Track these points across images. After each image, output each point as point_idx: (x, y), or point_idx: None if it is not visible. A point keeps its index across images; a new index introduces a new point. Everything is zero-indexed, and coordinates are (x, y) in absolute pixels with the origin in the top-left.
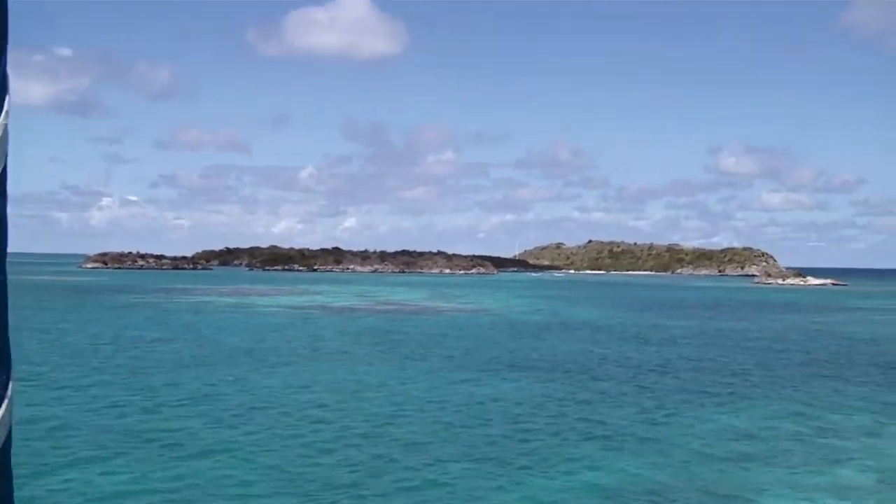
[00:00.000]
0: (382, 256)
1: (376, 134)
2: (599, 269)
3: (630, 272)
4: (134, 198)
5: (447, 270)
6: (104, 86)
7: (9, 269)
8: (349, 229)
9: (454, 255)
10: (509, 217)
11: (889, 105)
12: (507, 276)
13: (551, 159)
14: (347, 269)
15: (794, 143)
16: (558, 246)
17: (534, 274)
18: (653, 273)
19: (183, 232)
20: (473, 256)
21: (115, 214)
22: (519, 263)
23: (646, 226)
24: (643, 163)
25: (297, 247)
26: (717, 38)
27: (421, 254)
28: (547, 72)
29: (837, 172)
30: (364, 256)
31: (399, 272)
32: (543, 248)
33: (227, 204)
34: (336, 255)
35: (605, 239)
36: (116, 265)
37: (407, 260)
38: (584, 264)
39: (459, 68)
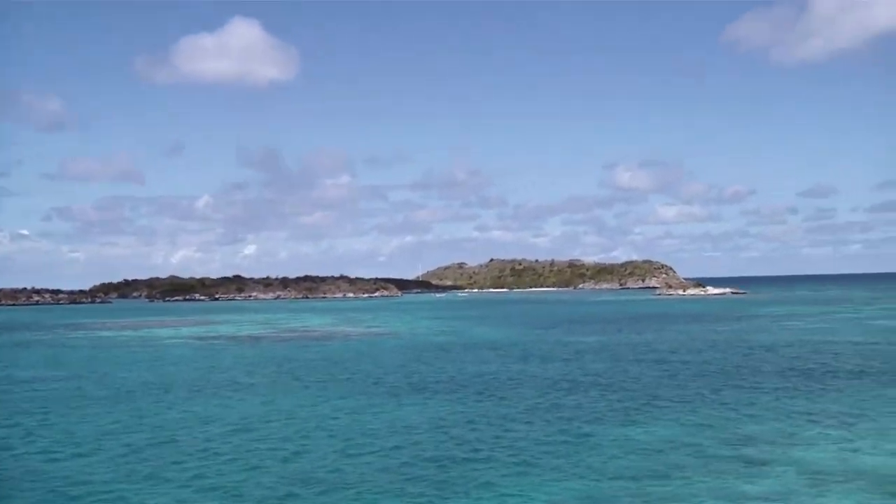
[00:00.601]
0: (284, 283)
1: (271, 160)
2: (502, 287)
3: (533, 289)
4: (25, 231)
5: (350, 294)
6: None
7: None
8: (249, 256)
9: (357, 278)
10: (409, 239)
11: (776, 117)
12: (410, 297)
13: (448, 180)
14: (250, 296)
15: (686, 157)
16: (460, 265)
17: (438, 294)
18: (555, 289)
19: (79, 265)
20: (376, 279)
21: (5, 249)
22: (422, 284)
23: (545, 242)
24: (540, 180)
25: (197, 276)
26: (609, 55)
27: (323, 279)
28: (440, 94)
29: (728, 184)
30: (266, 283)
31: (302, 297)
32: (446, 268)
33: (123, 235)
34: (237, 283)
35: (507, 257)
36: (10, 302)
37: (310, 285)
38: (487, 283)
39: (352, 92)
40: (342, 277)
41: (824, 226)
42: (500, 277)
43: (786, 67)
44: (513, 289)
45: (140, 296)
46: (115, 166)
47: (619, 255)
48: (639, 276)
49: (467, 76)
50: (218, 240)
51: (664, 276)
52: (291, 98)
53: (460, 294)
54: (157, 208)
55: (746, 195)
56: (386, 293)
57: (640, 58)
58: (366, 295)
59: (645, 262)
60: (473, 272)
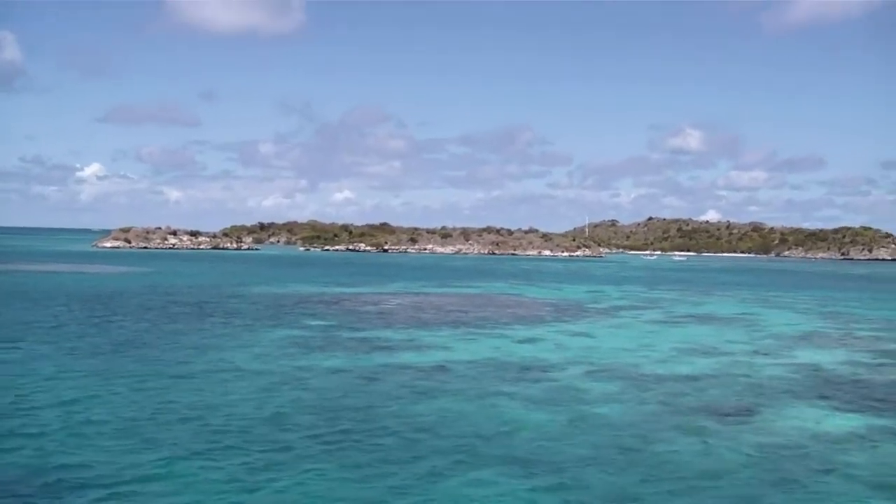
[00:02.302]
0: (466, 234)
1: (309, 110)
2: (681, 251)
3: (723, 254)
4: (103, 171)
5: (547, 252)
6: None
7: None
8: (335, 203)
9: (548, 234)
10: (480, 194)
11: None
12: (616, 258)
13: (502, 135)
14: (424, 249)
15: (740, 122)
16: (612, 223)
17: (647, 256)
18: (756, 256)
19: (174, 206)
20: (545, 234)
21: (94, 188)
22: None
23: (626, 202)
24: (591, 140)
25: (286, 220)
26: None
27: (510, 232)
28: (472, 47)
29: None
30: (443, 234)
31: (488, 254)
32: (596, 226)
33: (199, 179)
34: (409, 233)
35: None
36: (143, 244)
37: (496, 239)
38: (650, 245)
39: (367, 43)
40: (532, 231)
41: None
42: (665, 239)
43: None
44: (701, 252)
45: (279, 241)
46: (167, 112)
47: (707, 219)
48: (863, 244)
49: (500, 29)
50: (298, 186)
51: (893, 246)
52: (302, 49)
53: (676, 257)
54: (223, 152)
55: (816, 164)
56: (588, 252)
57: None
58: (565, 254)
59: (864, 228)
60: (630, 231)
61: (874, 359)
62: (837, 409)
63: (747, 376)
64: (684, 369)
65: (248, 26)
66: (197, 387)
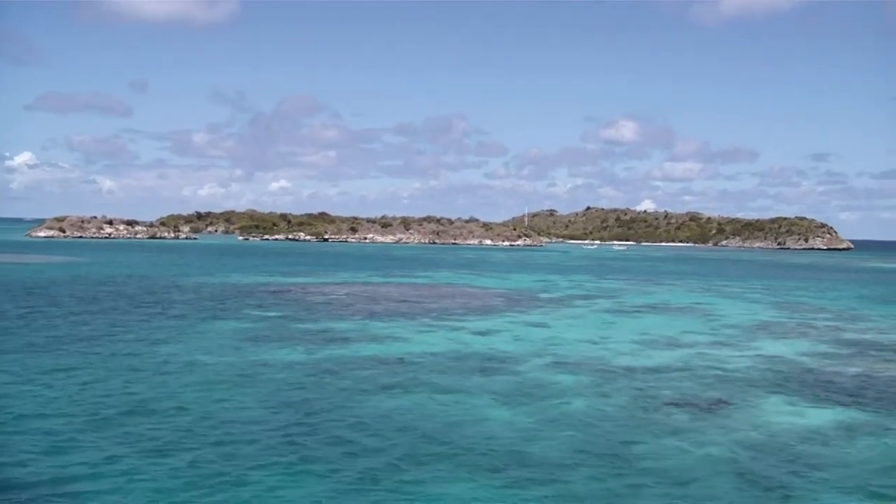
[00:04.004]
0: (406, 223)
1: (242, 100)
2: (620, 240)
3: (661, 244)
4: (33, 160)
5: (488, 241)
6: None
7: None
8: (271, 193)
9: (488, 223)
10: (418, 184)
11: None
12: (557, 247)
13: (438, 126)
14: (365, 238)
15: (669, 113)
16: (551, 213)
17: (587, 245)
18: (694, 245)
19: (107, 196)
20: (486, 224)
21: (23, 177)
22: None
23: (562, 192)
24: (526, 130)
25: (221, 209)
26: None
27: (451, 221)
28: (403, 36)
29: (718, 142)
30: (384, 224)
31: (429, 243)
32: (534, 216)
33: (134, 168)
34: (349, 223)
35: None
36: (78, 234)
37: (436, 228)
38: (588, 234)
39: (299, 33)
40: (473, 220)
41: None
42: (604, 228)
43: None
44: (640, 242)
45: (216, 231)
46: (98, 100)
47: (644, 209)
48: (798, 234)
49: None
50: (233, 176)
51: (828, 236)
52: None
53: (586, 246)
54: (157, 142)
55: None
56: (529, 242)
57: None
58: (506, 243)
59: (799, 218)
60: (569, 221)
61: (837, 349)
62: (809, 401)
63: (713, 368)
64: (648, 361)
65: (180, 14)
66: (142, 382)
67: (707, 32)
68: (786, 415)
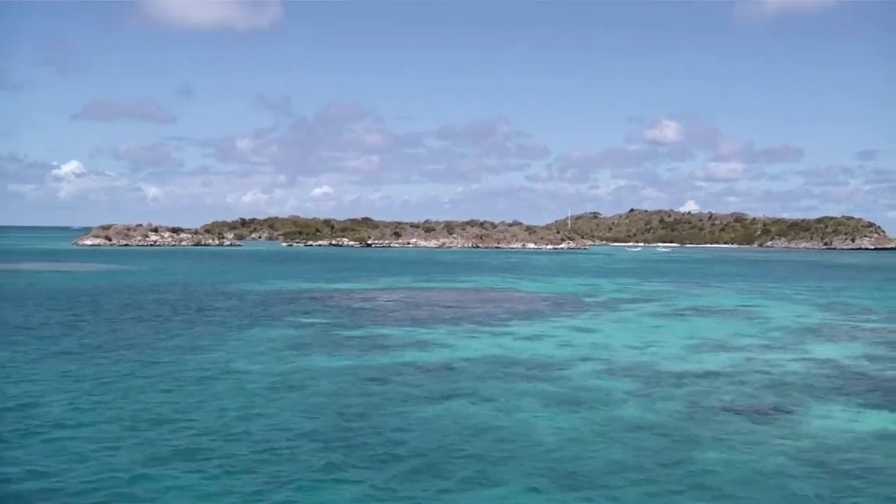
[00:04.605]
0: (449, 228)
1: (287, 105)
2: (664, 242)
3: (706, 245)
4: (81, 168)
5: (531, 245)
6: None
7: None
8: (314, 199)
9: (532, 226)
10: (460, 188)
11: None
12: (601, 250)
13: (480, 129)
14: (408, 243)
15: (715, 113)
16: (595, 215)
17: (632, 248)
18: (739, 246)
19: (152, 203)
20: (529, 227)
21: (72, 186)
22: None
23: (604, 194)
24: (568, 133)
25: (266, 215)
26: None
27: (494, 225)
28: (443, 43)
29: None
30: (427, 228)
31: (472, 247)
32: (578, 218)
33: (178, 175)
34: (392, 227)
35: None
36: (123, 242)
37: (479, 232)
38: (632, 236)
39: (341, 41)
40: (516, 224)
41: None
42: (648, 230)
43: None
44: (685, 244)
45: (260, 237)
46: (144, 108)
47: (688, 210)
48: (846, 234)
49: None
50: (277, 182)
51: (875, 235)
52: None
53: (660, 248)
54: (201, 148)
55: (793, 154)
56: (573, 245)
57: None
58: (550, 246)
59: (846, 217)
60: (612, 223)
61: (891, 352)
62: (866, 407)
63: (766, 373)
64: (699, 366)
65: (224, 21)
66: (183, 390)
67: (751, 31)
68: (842, 421)
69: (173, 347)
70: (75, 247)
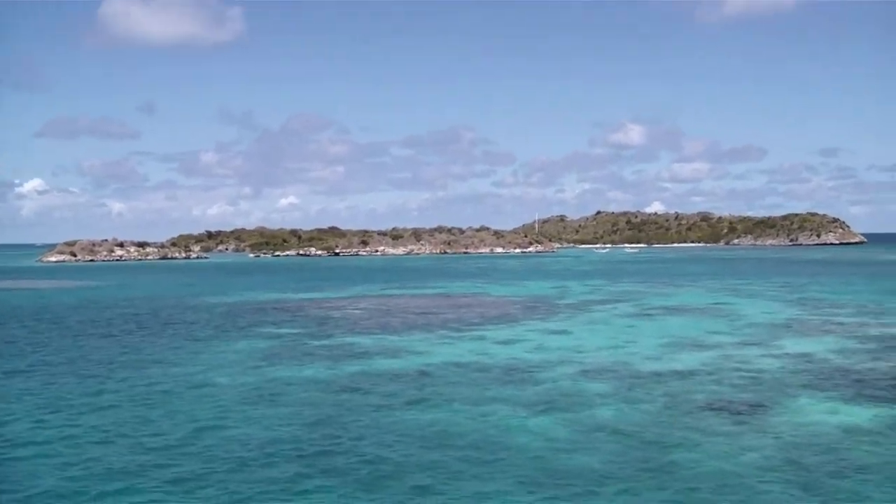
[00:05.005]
0: (417, 235)
1: (249, 118)
2: (631, 243)
3: (674, 244)
4: (44, 186)
5: (500, 249)
6: None
7: None
8: (280, 210)
9: (499, 231)
10: (427, 195)
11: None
12: (569, 252)
13: (444, 137)
14: (376, 251)
15: (677, 115)
16: (561, 218)
17: (600, 250)
18: (706, 245)
19: (115, 219)
20: (497, 232)
21: (34, 203)
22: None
23: (571, 198)
24: (533, 138)
25: (232, 227)
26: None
27: (462, 230)
28: (404, 51)
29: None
30: (394, 236)
31: (440, 253)
32: (545, 221)
33: (144, 190)
34: (360, 236)
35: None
36: (89, 257)
37: (447, 238)
38: (599, 238)
39: (302, 52)
40: (484, 229)
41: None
42: (615, 232)
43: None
44: (651, 244)
45: (227, 249)
46: (107, 125)
47: (654, 210)
48: (811, 230)
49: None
50: (242, 194)
51: (840, 230)
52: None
53: (628, 249)
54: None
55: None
56: (541, 248)
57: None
58: (518, 250)
59: (810, 214)
60: (580, 226)
61: (865, 345)
62: (845, 400)
63: (742, 370)
64: (676, 365)
65: (187, 36)
66: (156, 406)
67: (711, 32)
68: (823, 414)
69: (140, 362)
70: (39, 264)
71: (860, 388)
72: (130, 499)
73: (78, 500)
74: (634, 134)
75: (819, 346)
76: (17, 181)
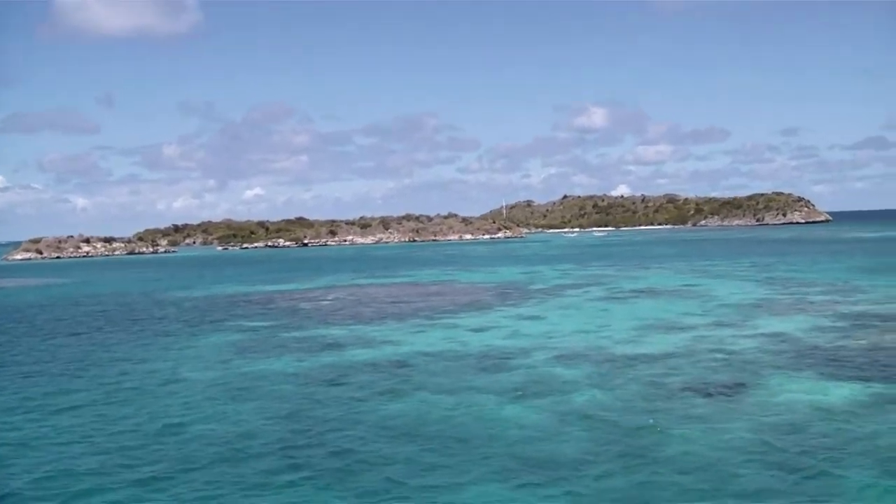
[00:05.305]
0: (385, 223)
1: (211, 110)
2: (599, 227)
3: (640, 227)
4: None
5: (468, 236)
6: None
7: None
8: (246, 202)
9: (468, 217)
10: (392, 183)
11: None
12: (538, 237)
13: (408, 124)
14: (344, 241)
15: (638, 97)
16: (528, 203)
17: (568, 234)
18: (673, 227)
19: (80, 214)
20: (465, 218)
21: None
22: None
23: (537, 183)
24: (497, 123)
25: (199, 220)
26: None
27: (430, 218)
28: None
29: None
30: (362, 225)
31: (409, 241)
32: (512, 207)
33: (107, 185)
34: (329, 225)
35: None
36: (55, 254)
37: (415, 226)
38: (567, 222)
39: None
40: (452, 216)
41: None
42: (582, 216)
43: None
44: (619, 227)
45: (195, 242)
46: (66, 119)
47: (620, 194)
48: (777, 210)
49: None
50: (207, 186)
51: (805, 209)
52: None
53: (596, 232)
54: (128, 157)
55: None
56: (510, 234)
57: None
58: (486, 236)
59: (776, 193)
60: (547, 210)
61: (837, 322)
62: (821, 378)
63: (717, 351)
64: (651, 348)
65: (143, 28)
66: (129, 403)
67: (670, 14)
68: (797, 394)
69: (110, 360)
70: (4, 262)
71: (833, 366)
72: (102, 497)
73: (48, 502)
74: (597, 117)
75: (791, 326)
76: None
